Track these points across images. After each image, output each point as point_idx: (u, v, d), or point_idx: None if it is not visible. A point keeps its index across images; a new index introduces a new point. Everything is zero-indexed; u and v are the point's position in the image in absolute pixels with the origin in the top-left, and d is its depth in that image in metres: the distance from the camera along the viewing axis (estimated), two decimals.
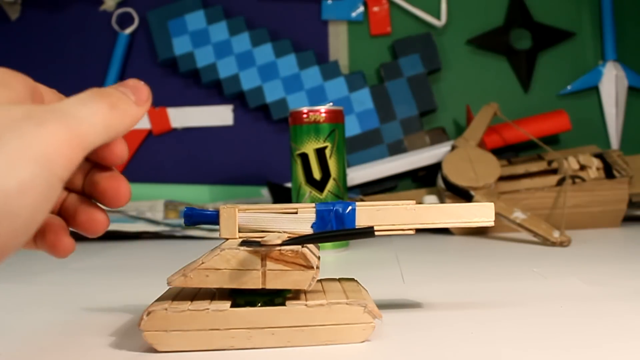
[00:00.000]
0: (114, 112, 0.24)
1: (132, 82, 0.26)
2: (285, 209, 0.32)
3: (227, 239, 0.32)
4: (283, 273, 0.29)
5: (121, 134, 0.25)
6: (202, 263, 0.29)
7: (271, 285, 0.29)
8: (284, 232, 0.32)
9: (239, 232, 0.32)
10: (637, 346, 0.28)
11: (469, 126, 0.81)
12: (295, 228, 0.32)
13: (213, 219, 0.32)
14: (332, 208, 0.32)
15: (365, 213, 0.32)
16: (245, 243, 0.29)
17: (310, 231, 0.32)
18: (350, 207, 0.32)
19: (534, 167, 0.76)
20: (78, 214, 0.27)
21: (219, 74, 0.94)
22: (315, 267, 0.29)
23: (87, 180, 0.28)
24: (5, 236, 0.18)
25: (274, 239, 0.29)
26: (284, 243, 0.29)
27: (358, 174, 0.87)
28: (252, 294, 0.29)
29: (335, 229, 0.32)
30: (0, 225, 0.17)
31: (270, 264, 0.29)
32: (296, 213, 0.32)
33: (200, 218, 0.32)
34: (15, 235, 0.18)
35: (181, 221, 0.79)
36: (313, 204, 0.33)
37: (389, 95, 0.92)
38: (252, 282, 0.29)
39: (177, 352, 0.28)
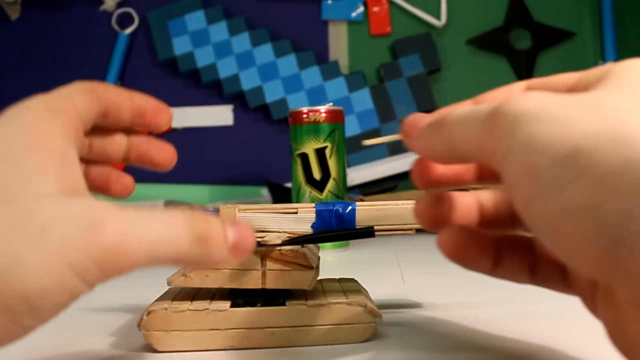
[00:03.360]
0: (197, 248, 0.19)
1: (244, 226, 0.20)
2: (285, 209, 0.32)
3: None
4: (283, 273, 0.29)
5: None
6: None
7: (271, 285, 0.29)
8: (284, 232, 0.32)
9: None
10: None
11: None
12: (295, 228, 0.32)
13: None
14: (332, 208, 0.32)
15: (365, 213, 0.32)
16: None
17: (310, 231, 0.32)
18: (350, 207, 0.32)
19: None
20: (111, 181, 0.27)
21: (219, 74, 0.94)
22: (315, 267, 0.29)
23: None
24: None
25: (274, 239, 0.29)
26: (284, 243, 0.29)
27: (358, 174, 0.87)
28: (252, 294, 0.29)
29: (335, 229, 0.32)
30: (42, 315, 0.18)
31: (270, 264, 0.29)
32: (296, 213, 0.32)
33: None
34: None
35: None
36: (313, 204, 0.33)
37: (389, 95, 0.92)
38: (252, 282, 0.29)
39: (177, 352, 0.28)
